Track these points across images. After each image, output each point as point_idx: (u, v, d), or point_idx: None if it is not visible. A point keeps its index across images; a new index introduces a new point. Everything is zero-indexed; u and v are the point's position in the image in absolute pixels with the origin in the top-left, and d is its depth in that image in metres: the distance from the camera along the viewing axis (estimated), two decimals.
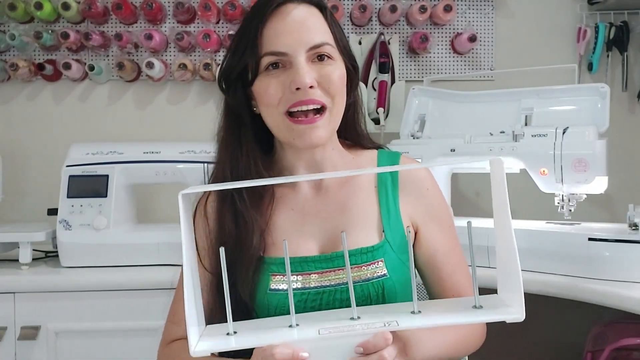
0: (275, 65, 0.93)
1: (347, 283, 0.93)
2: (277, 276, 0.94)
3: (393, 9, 2.03)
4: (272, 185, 1.00)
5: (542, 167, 1.49)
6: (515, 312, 0.75)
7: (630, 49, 2.12)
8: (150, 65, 1.99)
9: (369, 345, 0.75)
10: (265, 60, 0.92)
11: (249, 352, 0.80)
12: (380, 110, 2.01)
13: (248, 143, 0.99)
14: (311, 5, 0.95)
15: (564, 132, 1.47)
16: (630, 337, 1.45)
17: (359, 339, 0.76)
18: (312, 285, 0.93)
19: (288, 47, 0.91)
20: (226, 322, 0.79)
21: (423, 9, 2.04)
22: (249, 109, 0.98)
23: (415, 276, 1.04)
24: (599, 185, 1.46)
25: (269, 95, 0.93)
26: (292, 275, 0.93)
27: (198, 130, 2.09)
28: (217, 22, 2.09)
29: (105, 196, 1.69)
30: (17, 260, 1.62)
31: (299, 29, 0.92)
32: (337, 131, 1.01)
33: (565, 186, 1.49)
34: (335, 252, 0.95)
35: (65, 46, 2.04)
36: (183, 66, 2.04)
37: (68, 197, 1.68)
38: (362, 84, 1.96)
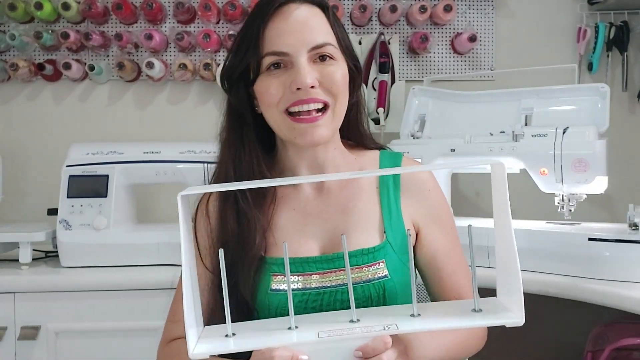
0: (276, 65, 0.93)
1: (347, 284, 0.93)
2: (278, 276, 0.94)
3: (393, 9, 2.03)
4: (274, 185, 1.00)
5: (542, 167, 1.49)
6: (514, 316, 0.75)
7: (630, 49, 2.12)
8: (150, 65, 1.99)
9: (367, 349, 0.75)
10: (267, 60, 0.92)
11: (247, 353, 0.80)
12: (380, 110, 2.01)
13: (250, 143, 0.99)
14: (313, 5, 0.95)
15: (564, 132, 1.47)
16: (631, 337, 1.45)
17: (359, 342, 0.76)
18: (313, 286, 0.93)
19: (290, 47, 0.91)
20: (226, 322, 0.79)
21: (423, 9, 2.04)
22: (251, 109, 0.98)
23: (416, 277, 1.04)
24: (599, 185, 1.46)
25: (270, 94, 0.93)
26: (293, 275, 0.93)
27: (198, 130, 2.09)
28: (217, 22, 2.09)
29: (105, 196, 1.69)
30: (17, 260, 1.62)
31: (301, 29, 0.92)
32: (340, 131, 1.01)
33: (565, 186, 1.48)
34: (336, 253, 0.95)
35: (66, 46, 2.04)
36: (183, 66, 2.04)
37: (68, 197, 1.68)
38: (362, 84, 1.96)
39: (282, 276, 0.93)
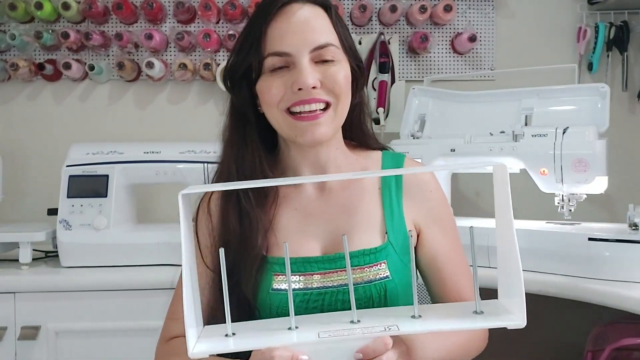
0: (279, 67, 0.93)
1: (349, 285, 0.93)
2: (280, 276, 0.94)
3: (393, 8, 2.03)
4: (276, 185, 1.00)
5: (542, 167, 1.49)
6: (516, 318, 0.75)
7: (631, 49, 2.12)
8: (150, 65, 1.99)
9: (368, 350, 0.75)
10: (269, 61, 0.92)
11: (247, 353, 0.80)
12: (380, 110, 2.01)
13: (253, 142, 0.99)
14: (316, 5, 0.95)
15: (564, 132, 1.47)
16: (631, 337, 1.45)
17: (359, 342, 0.75)
18: (314, 286, 0.93)
19: (292, 47, 0.91)
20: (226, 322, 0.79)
21: (423, 9, 2.04)
22: (253, 108, 0.98)
23: (417, 278, 1.04)
24: (599, 185, 1.46)
25: (271, 94, 0.93)
26: (294, 275, 0.93)
27: (198, 130, 2.09)
28: (218, 22, 2.09)
29: (105, 196, 1.69)
30: (17, 260, 1.62)
31: (303, 30, 0.92)
32: (342, 131, 1.01)
33: (565, 186, 1.48)
34: (338, 253, 0.95)
35: (66, 46, 2.04)
36: (183, 66, 2.04)
37: (68, 197, 1.68)
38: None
39: (284, 276, 0.93)
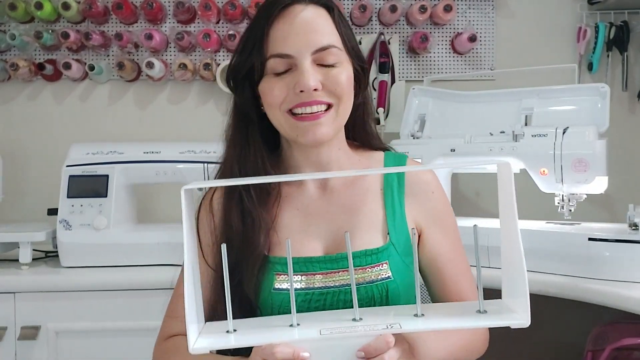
0: (282, 70, 0.93)
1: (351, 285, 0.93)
2: (282, 275, 0.94)
3: (393, 8, 2.03)
4: (279, 184, 1.00)
5: (542, 167, 1.49)
6: (519, 317, 0.74)
7: (631, 49, 2.12)
8: (150, 65, 1.99)
9: (370, 348, 0.74)
10: (271, 62, 0.93)
11: (248, 350, 0.80)
12: (380, 110, 2.01)
13: (256, 142, 0.99)
14: (319, 6, 0.95)
15: (564, 132, 1.47)
16: (631, 337, 1.45)
17: (361, 340, 0.75)
18: (316, 286, 0.93)
19: (294, 49, 0.91)
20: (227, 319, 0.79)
21: (423, 9, 2.04)
22: (256, 108, 0.98)
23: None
24: (599, 185, 1.46)
25: (273, 95, 0.93)
26: (296, 274, 0.93)
27: (198, 130, 2.09)
28: (218, 22, 2.09)
29: (105, 196, 1.69)
30: (17, 260, 1.62)
31: (305, 31, 0.92)
32: (345, 131, 1.02)
33: (565, 186, 1.48)
34: (340, 254, 0.95)
35: (66, 46, 2.04)
36: (183, 66, 2.04)
37: (68, 197, 1.68)
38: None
39: (286, 275, 0.93)
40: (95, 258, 1.64)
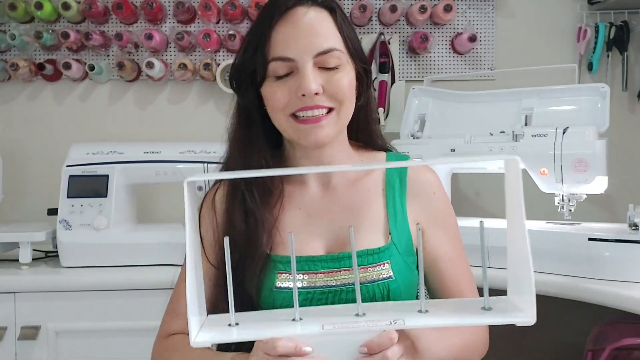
0: (284, 73, 0.93)
1: (353, 284, 0.92)
2: (283, 274, 0.94)
3: (393, 8, 2.03)
4: (282, 183, 1.01)
5: (542, 167, 1.49)
6: (525, 315, 0.73)
7: (631, 49, 2.12)
8: (150, 65, 1.99)
9: (373, 344, 0.74)
10: (273, 65, 0.93)
11: (250, 343, 0.79)
12: (380, 110, 2.01)
13: (259, 142, 1.00)
14: (321, 9, 0.95)
15: (564, 132, 1.47)
16: (631, 337, 1.45)
17: (364, 336, 0.74)
18: (317, 285, 0.94)
19: (295, 53, 0.92)
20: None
21: (423, 9, 2.04)
22: (259, 108, 0.99)
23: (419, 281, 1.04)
24: (599, 185, 1.46)
25: (276, 100, 0.94)
26: (298, 274, 0.93)
27: (198, 130, 2.09)
28: (218, 22, 2.09)
29: (105, 196, 1.69)
30: (17, 260, 1.62)
31: (307, 35, 0.92)
32: (348, 132, 1.02)
33: (565, 186, 1.48)
34: (341, 253, 0.95)
35: (66, 46, 2.04)
36: (183, 66, 2.04)
37: (68, 197, 1.68)
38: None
39: (287, 274, 0.94)
40: (95, 258, 1.64)
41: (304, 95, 0.91)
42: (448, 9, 2.04)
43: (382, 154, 1.07)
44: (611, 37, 2.10)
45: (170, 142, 1.78)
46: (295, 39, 0.92)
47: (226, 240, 0.76)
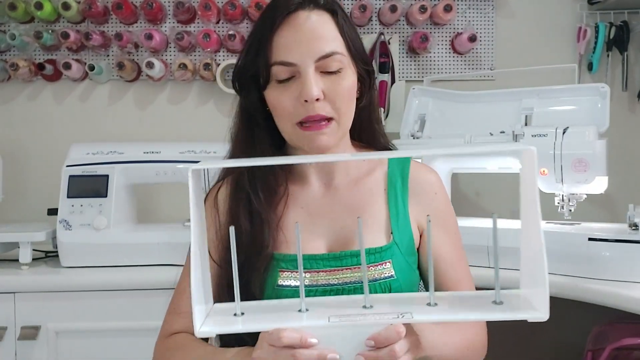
0: (286, 77, 0.94)
1: (354, 282, 0.93)
2: (285, 272, 0.95)
3: (393, 8, 2.03)
4: (286, 182, 1.01)
5: (542, 167, 1.49)
6: (538, 311, 0.71)
7: (631, 49, 2.12)
8: (150, 65, 1.99)
9: (380, 338, 0.73)
10: (275, 70, 0.93)
11: (251, 333, 0.79)
12: (380, 110, 2.01)
13: (262, 143, 1.00)
14: (323, 12, 0.95)
15: (564, 132, 1.47)
16: (631, 336, 1.45)
17: (371, 327, 0.73)
18: (319, 283, 0.94)
19: (297, 58, 0.92)
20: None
21: (423, 9, 2.04)
22: (262, 110, 0.99)
23: (419, 280, 1.04)
24: (599, 185, 1.46)
25: (282, 107, 0.94)
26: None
27: (198, 130, 2.09)
28: (217, 22, 2.09)
29: (105, 196, 1.69)
30: (17, 260, 1.62)
31: (308, 39, 0.92)
32: (351, 132, 1.02)
33: (565, 186, 1.48)
34: (343, 251, 0.96)
35: (66, 46, 2.04)
36: (183, 66, 2.04)
37: (68, 197, 1.68)
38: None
39: (289, 272, 0.94)
40: (95, 258, 1.64)
41: (306, 101, 0.91)
42: (448, 9, 2.04)
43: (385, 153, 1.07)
44: (611, 37, 2.10)
45: (170, 142, 1.78)
46: (297, 43, 0.92)
47: (232, 229, 0.74)
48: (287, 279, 0.94)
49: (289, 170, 1.03)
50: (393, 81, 2.07)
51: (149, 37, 1.99)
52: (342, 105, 0.94)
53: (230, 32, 2.02)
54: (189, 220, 1.67)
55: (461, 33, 2.10)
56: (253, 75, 0.96)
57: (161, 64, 2.03)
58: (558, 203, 1.54)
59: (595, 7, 2.10)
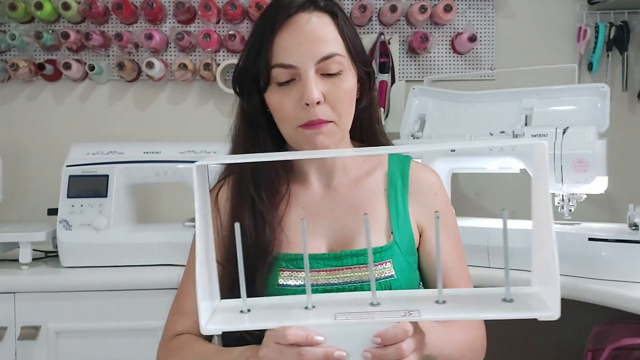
0: (286, 80, 0.94)
1: (354, 282, 0.93)
2: (286, 272, 0.95)
3: (393, 8, 2.03)
4: (287, 182, 1.01)
5: None
6: (549, 309, 0.70)
7: (631, 49, 2.12)
8: (150, 65, 1.99)
9: (387, 335, 0.71)
10: (275, 72, 0.94)
11: (255, 331, 0.79)
12: (380, 110, 2.01)
13: (263, 143, 1.00)
14: (323, 13, 0.95)
15: (564, 132, 1.47)
16: (631, 336, 1.45)
17: (378, 325, 0.72)
18: (320, 283, 0.94)
19: (297, 60, 0.92)
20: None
21: (423, 9, 2.04)
22: (263, 111, 1.00)
23: (419, 281, 1.04)
24: (599, 185, 1.46)
25: (283, 111, 0.95)
26: (300, 272, 0.94)
27: (198, 130, 2.09)
28: (218, 22, 2.09)
29: (106, 196, 1.69)
30: (17, 260, 1.62)
31: (309, 41, 0.93)
32: (351, 132, 1.02)
33: (565, 186, 1.48)
34: (344, 251, 0.96)
35: (66, 46, 2.04)
36: (183, 66, 2.04)
37: (68, 197, 1.68)
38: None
39: (290, 271, 0.95)
40: (95, 258, 1.64)
41: (307, 104, 0.92)
42: (448, 9, 2.04)
43: (384, 155, 1.08)
44: (611, 37, 2.10)
45: (170, 142, 1.78)
46: (297, 45, 0.92)
47: (237, 226, 0.73)
48: (287, 279, 0.94)
49: (290, 171, 1.03)
50: (393, 81, 2.07)
51: (149, 37, 1.99)
52: (342, 108, 0.95)
53: (231, 32, 2.02)
54: (189, 220, 1.68)
55: (461, 33, 2.10)
56: (253, 77, 0.96)
57: (161, 64, 2.03)
58: (558, 203, 1.54)
59: (595, 7, 2.10)
